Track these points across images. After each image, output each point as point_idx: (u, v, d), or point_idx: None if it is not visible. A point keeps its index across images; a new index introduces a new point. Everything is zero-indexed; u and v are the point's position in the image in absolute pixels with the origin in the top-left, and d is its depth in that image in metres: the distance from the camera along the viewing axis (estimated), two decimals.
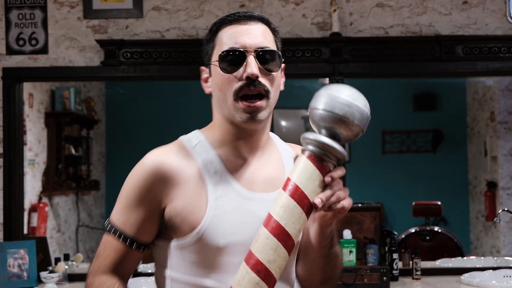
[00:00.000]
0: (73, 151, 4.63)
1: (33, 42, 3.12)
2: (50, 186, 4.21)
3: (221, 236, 1.16)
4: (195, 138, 1.26)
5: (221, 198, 1.18)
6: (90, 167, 4.90)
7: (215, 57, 1.23)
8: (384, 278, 2.89)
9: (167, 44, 3.14)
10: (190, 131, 1.31)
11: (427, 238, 3.71)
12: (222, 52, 1.20)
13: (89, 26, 3.15)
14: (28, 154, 3.90)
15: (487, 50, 3.12)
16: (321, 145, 1.08)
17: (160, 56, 3.12)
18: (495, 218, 3.64)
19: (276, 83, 1.23)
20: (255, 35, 1.21)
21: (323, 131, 1.10)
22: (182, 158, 1.21)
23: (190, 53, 3.10)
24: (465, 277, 2.94)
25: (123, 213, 1.21)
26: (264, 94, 1.19)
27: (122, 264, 1.21)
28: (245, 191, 1.21)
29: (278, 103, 1.27)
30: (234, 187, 1.20)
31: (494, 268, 3.09)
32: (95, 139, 5.04)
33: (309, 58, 3.13)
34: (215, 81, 1.23)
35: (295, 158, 1.16)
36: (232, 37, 1.21)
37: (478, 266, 3.24)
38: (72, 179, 4.57)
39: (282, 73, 1.30)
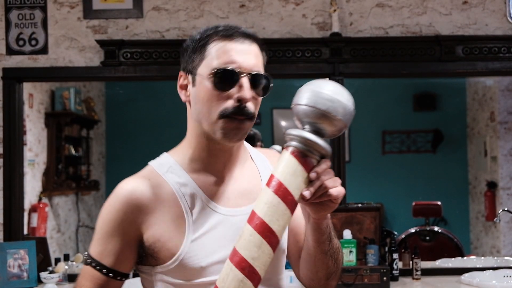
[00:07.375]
0: (73, 151, 4.63)
1: (33, 42, 3.12)
2: (50, 186, 4.21)
3: (202, 258, 1.18)
4: (165, 163, 1.26)
5: (198, 220, 1.20)
6: (90, 167, 4.90)
7: (203, 69, 1.19)
8: (384, 278, 2.89)
9: (167, 44, 3.14)
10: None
11: (427, 238, 3.71)
12: (218, 69, 1.17)
13: (89, 26, 3.15)
14: (28, 154, 3.90)
15: (487, 50, 3.12)
16: (304, 141, 1.06)
17: (160, 56, 3.12)
18: (495, 218, 3.63)
19: (259, 106, 1.25)
20: (250, 57, 1.19)
21: (307, 126, 1.09)
22: (155, 184, 1.21)
23: None
24: (465, 277, 2.94)
25: (98, 244, 1.21)
26: (249, 119, 1.20)
27: None
28: (221, 208, 1.22)
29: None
30: (210, 206, 1.22)
31: (494, 268, 3.09)
32: (95, 139, 5.04)
33: (309, 58, 3.13)
34: (200, 94, 1.20)
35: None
36: (227, 54, 1.18)
37: (478, 266, 3.24)
38: (72, 179, 4.57)
39: None
